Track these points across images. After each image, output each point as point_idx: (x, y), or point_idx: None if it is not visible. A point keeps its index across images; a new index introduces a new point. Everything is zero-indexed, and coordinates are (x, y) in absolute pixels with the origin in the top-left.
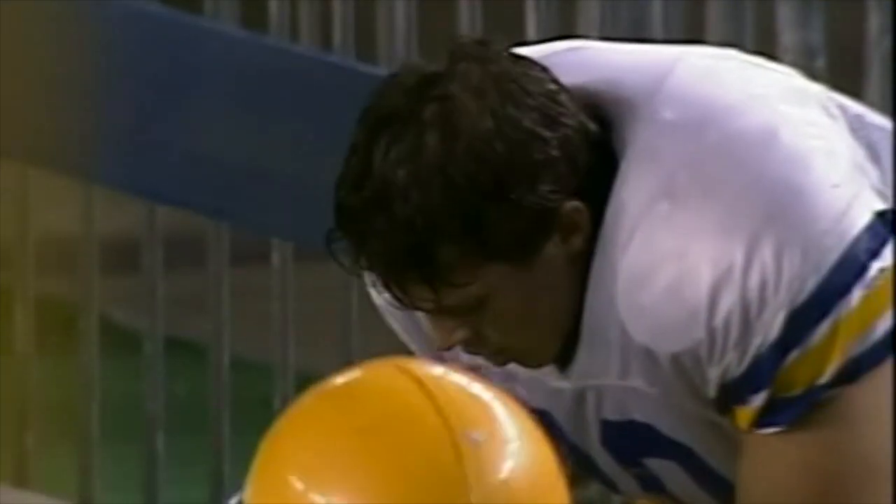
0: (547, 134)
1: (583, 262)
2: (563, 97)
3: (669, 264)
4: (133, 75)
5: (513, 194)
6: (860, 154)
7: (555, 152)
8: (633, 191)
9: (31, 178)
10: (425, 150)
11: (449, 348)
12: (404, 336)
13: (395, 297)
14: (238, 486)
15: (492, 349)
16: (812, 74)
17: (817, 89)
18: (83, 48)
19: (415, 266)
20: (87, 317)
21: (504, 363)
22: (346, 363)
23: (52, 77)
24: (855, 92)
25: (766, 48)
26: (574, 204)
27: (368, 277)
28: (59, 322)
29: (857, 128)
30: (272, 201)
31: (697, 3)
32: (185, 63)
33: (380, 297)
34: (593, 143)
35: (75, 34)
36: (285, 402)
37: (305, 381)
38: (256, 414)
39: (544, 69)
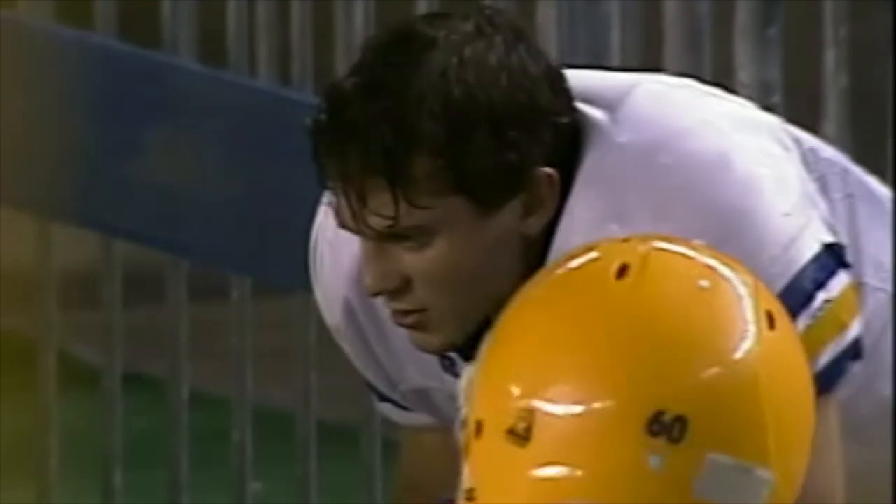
0: (549, 94)
1: (527, 267)
2: (566, 82)
3: None
4: (91, 110)
5: (501, 130)
6: (811, 186)
7: (551, 116)
8: (584, 211)
9: None
10: (430, 63)
11: (376, 295)
12: (357, 363)
13: (349, 209)
14: None
15: (412, 305)
16: (769, 110)
17: (772, 120)
18: (41, 83)
19: (386, 169)
20: (45, 352)
21: (410, 326)
22: (304, 398)
23: (7, 111)
24: (811, 128)
25: (724, 83)
26: (548, 170)
27: (325, 202)
28: (17, 357)
29: (810, 161)
30: (231, 236)
31: (656, 37)
32: (143, 98)
33: (332, 318)
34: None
35: (33, 69)
36: (243, 436)
37: (263, 415)
38: (214, 448)
39: None
